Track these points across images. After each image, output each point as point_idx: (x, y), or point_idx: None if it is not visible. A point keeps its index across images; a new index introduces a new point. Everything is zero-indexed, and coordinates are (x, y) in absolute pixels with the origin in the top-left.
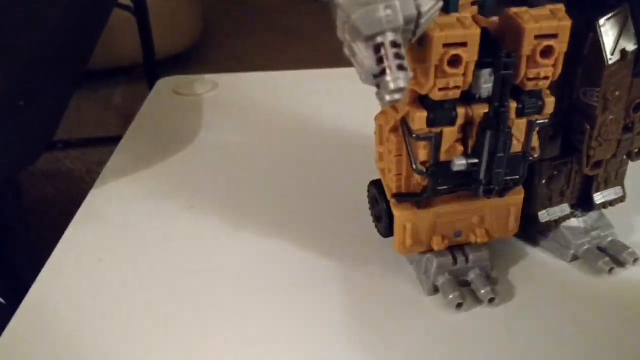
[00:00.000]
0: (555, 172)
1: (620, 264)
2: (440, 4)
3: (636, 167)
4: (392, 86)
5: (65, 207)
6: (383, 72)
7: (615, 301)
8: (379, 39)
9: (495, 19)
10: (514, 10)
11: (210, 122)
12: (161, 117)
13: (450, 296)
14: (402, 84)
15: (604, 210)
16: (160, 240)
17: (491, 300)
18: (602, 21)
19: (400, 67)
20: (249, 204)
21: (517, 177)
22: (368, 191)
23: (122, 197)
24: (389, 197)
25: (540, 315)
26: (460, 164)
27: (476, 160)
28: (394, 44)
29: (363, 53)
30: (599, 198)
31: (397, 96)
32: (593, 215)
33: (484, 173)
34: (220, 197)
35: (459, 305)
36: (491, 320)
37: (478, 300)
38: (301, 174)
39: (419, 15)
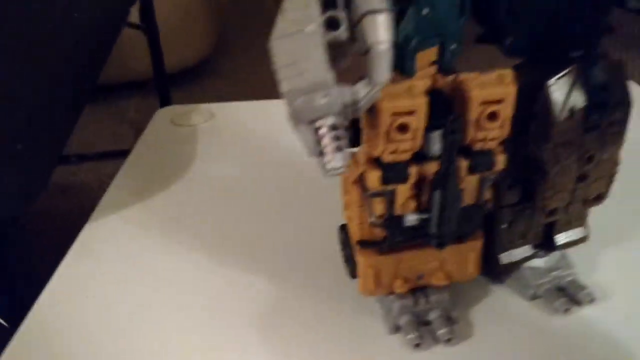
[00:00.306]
0: (516, 217)
1: (578, 303)
2: (378, 87)
3: (601, 205)
4: (328, 167)
5: (78, 219)
6: (322, 153)
7: (571, 340)
8: (319, 123)
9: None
10: (462, 76)
11: (206, 154)
12: (158, 148)
13: (409, 336)
14: (338, 164)
15: (567, 250)
16: (151, 275)
17: (448, 341)
18: (552, 80)
19: (338, 149)
20: (237, 238)
21: (471, 228)
22: (338, 234)
23: (116, 232)
24: (353, 243)
25: (498, 354)
26: (411, 219)
27: (427, 216)
28: (333, 127)
29: (304, 135)
30: (560, 239)
31: (336, 173)
32: (555, 254)
33: (435, 227)
34: (211, 231)
35: (417, 345)
36: (449, 359)
37: (438, 340)
38: (293, 206)
39: (356, 101)
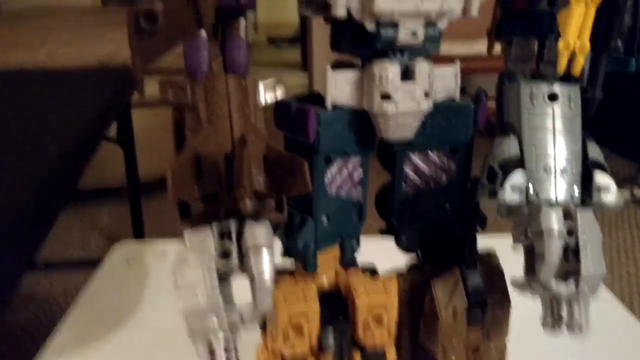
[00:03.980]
0: None
1: None
2: (261, 312)
3: None
4: None
5: (36, 334)
6: None
7: None
8: (213, 344)
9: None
10: (352, 279)
11: (154, 298)
12: (109, 288)
13: None
14: None
15: None
16: None
17: None
18: (436, 281)
19: None
20: None
21: None
22: None
23: None
24: None
25: None
26: None
27: None
28: (225, 349)
29: (199, 349)
30: None
31: None
32: None
33: None
34: None
35: None
36: None
37: None
38: None
39: (244, 320)
